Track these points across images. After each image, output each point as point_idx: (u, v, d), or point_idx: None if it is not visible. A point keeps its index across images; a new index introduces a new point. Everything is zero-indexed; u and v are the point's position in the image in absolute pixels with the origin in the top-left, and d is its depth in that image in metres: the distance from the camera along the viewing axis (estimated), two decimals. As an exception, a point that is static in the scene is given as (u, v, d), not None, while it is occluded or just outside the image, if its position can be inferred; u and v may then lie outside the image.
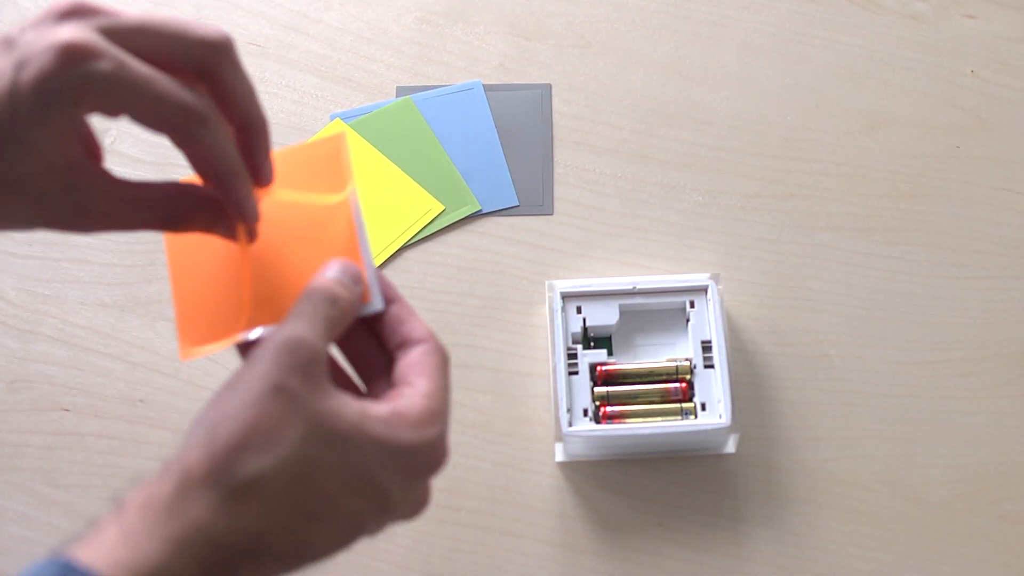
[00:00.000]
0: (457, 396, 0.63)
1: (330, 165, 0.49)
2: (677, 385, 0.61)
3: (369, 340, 0.46)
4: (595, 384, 0.61)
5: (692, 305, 0.63)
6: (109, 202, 0.45)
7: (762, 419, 0.63)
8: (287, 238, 0.48)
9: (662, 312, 0.64)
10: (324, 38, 0.75)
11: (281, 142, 0.72)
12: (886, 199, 0.69)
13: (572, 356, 0.61)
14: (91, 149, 0.48)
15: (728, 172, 0.70)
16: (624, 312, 0.63)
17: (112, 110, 0.42)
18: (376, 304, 0.45)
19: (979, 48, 0.74)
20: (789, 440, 0.63)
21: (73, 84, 0.39)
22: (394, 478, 0.40)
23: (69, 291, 0.67)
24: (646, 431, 0.59)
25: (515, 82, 0.73)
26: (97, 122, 0.73)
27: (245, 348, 0.45)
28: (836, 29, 0.75)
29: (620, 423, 0.60)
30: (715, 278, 0.63)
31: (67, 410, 0.64)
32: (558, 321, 0.61)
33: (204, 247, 0.48)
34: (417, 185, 0.70)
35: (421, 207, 0.69)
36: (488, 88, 0.73)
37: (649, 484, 0.61)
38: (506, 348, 0.65)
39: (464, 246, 0.68)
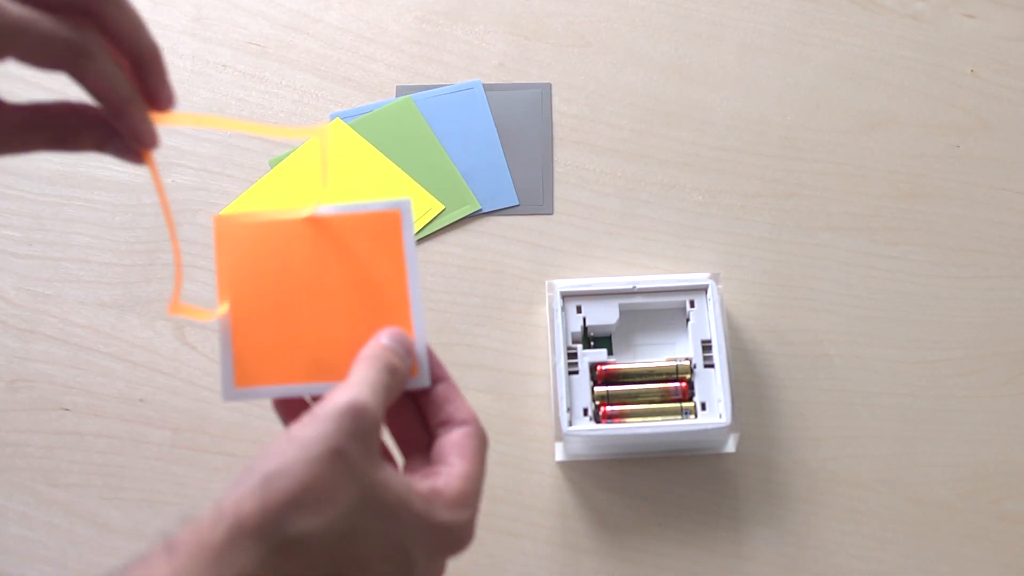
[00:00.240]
0: (457, 395, 0.63)
1: (391, 234, 0.51)
2: (677, 385, 0.61)
3: (413, 415, 0.47)
4: (595, 383, 0.61)
5: (692, 304, 0.63)
6: None
7: (762, 418, 0.63)
8: (343, 295, 0.49)
9: (662, 312, 0.64)
10: (324, 37, 0.75)
11: (282, 142, 0.72)
12: (886, 199, 0.69)
13: (572, 355, 0.61)
14: None
15: (728, 172, 0.70)
16: (624, 311, 0.63)
17: None
18: (424, 380, 0.46)
19: (979, 48, 0.74)
20: (789, 439, 0.63)
21: None
22: (423, 552, 0.42)
23: (69, 290, 0.67)
24: (646, 431, 0.59)
25: (515, 81, 0.73)
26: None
27: (285, 402, 0.47)
28: (836, 29, 0.75)
29: (620, 423, 0.60)
30: (715, 278, 0.63)
31: (67, 409, 0.64)
32: (558, 320, 0.61)
33: (266, 280, 0.50)
34: (417, 184, 0.70)
35: (421, 207, 0.69)
36: (488, 88, 0.73)
37: (649, 483, 0.61)
38: (506, 347, 0.65)
39: (464, 245, 0.68)
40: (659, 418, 0.60)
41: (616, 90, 0.73)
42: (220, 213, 0.67)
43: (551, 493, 0.61)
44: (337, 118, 0.72)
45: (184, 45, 0.75)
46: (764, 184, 0.70)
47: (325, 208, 0.50)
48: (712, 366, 0.61)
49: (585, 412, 0.60)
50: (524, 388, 0.64)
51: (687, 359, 0.61)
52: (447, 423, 0.45)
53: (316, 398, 0.46)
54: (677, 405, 0.60)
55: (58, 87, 0.48)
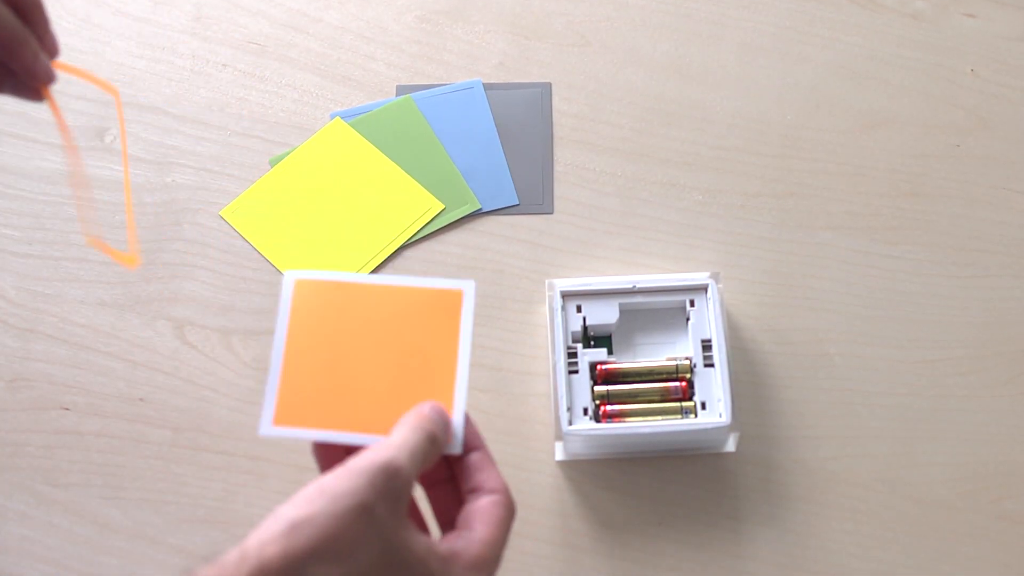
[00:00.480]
0: (457, 395, 0.63)
1: (449, 313, 0.54)
2: (677, 384, 0.61)
3: (451, 491, 0.48)
4: (595, 383, 0.61)
5: (692, 304, 0.62)
6: None
7: (762, 418, 0.63)
8: (394, 359, 0.52)
9: (662, 311, 0.64)
10: (324, 37, 0.75)
11: (282, 141, 0.72)
12: (886, 198, 0.69)
13: (572, 355, 0.61)
14: None
15: (728, 171, 0.70)
16: (624, 311, 0.63)
17: None
18: (456, 448, 0.48)
19: (979, 47, 0.74)
20: (789, 439, 0.63)
21: None
22: None
23: (69, 290, 0.67)
24: (646, 430, 0.59)
25: (515, 81, 0.73)
26: (96, 121, 0.74)
27: (323, 449, 0.48)
28: (836, 28, 0.75)
29: (620, 422, 0.60)
30: (715, 277, 0.63)
31: (67, 409, 0.64)
32: (558, 320, 0.61)
33: (324, 333, 0.54)
34: (417, 184, 0.70)
35: (421, 206, 0.69)
36: (488, 87, 0.73)
37: (649, 483, 0.61)
38: (506, 347, 0.65)
39: (464, 245, 0.68)
40: (659, 417, 0.59)
41: (616, 89, 0.73)
42: (224, 209, 0.67)
43: (551, 492, 0.61)
44: (337, 117, 0.72)
45: (184, 45, 0.75)
46: (764, 183, 0.70)
47: (395, 278, 0.54)
48: (712, 365, 0.61)
49: (585, 411, 0.60)
50: (524, 387, 0.64)
51: (687, 358, 0.61)
52: (477, 490, 0.46)
53: (353, 451, 0.47)
54: (677, 404, 0.60)
55: None
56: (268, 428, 0.52)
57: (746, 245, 0.68)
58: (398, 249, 0.68)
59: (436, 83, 0.73)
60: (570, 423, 0.59)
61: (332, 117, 0.72)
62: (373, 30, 0.75)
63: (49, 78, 0.53)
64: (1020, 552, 0.60)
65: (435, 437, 0.45)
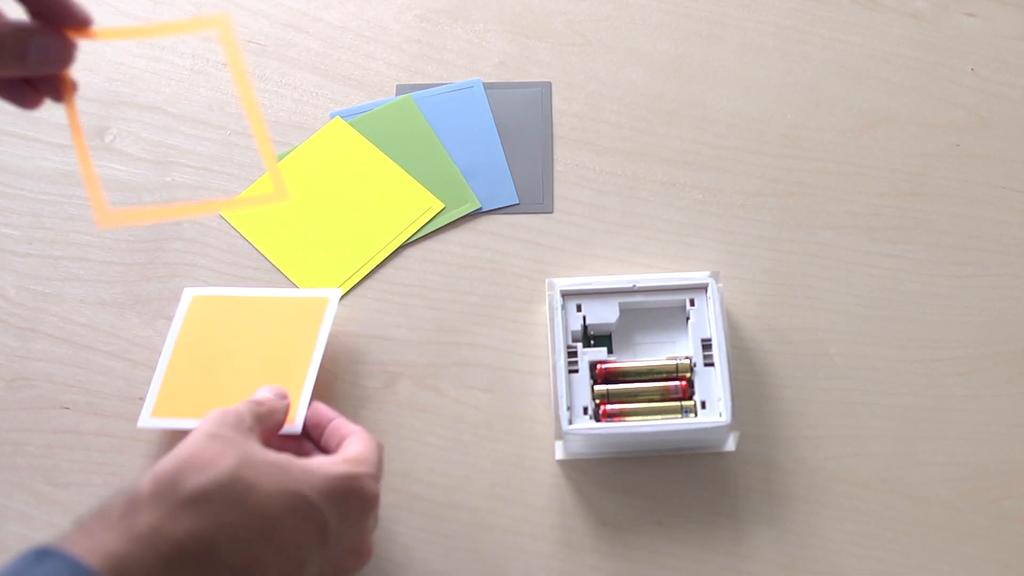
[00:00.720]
0: (457, 394, 0.63)
1: (314, 317, 0.63)
2: (677, 383, 0.61)
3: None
4: (595, 382, 0.61)
5: (692, 303, 0.62)
6: None
7: (762, 417, 0.63)
8: (260, 359, 0.62)
9: (662, 310, 0.64)
10: (324, 36, 0.75)
11: (282, 140, 0.72)
12: (886, 197, 0.69)
13: (572, 354, 0.61)
14: None
15: (728, 170, 0.70)
16: (624, 310, 0.63)
17: None
18: (296, 428, 0.58)
19: (979, 46, 0.74)
20: (789, 438, 0.63)
21: None
22: (327, 505, 0.48)
23: (69, 289, 0.67)
24: (646, 429, 0.59)
25: (515, 80, 0.73)
26: (97, 121, 0.74)
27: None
28: (836, 27, 0.75)
29: (620, 421, 0.60)
30: (715, 276, 0.63)
31: (67, 408, 0.64)
32: (558, 319, 0.61)
33: (208, 339, 0.64)
34: (417, 183, 0.70)
35: (421, 205, 0.69)
36: (488, 86, 0.73)
37: (649, 482, 0.61)
38: (506, 346, 0.65)
39: (464, 244, 0.68)
40: (659, 417, 0.59)
41: (616, 89, 0.73)
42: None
43: (551, 491, 0.61)
44: (337, 117, 0.72)
45: (184, 44, 0.75)
46: (764, 183, 0.70)
47: (276, 291, 0.65)
48: (712, 365, 0.61)
49: (585, 411, 0.60)
50: (524, 387, 0.64)
51: (687, 358, 0.61)
52: (343, 438, 0.55)
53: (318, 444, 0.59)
54: (677, 404, 0.60)
55: None
56: (146, 420, 0.62)
57: (746, 244, 0.68)
58: (398, 248, 0.68)
59: (436, 82, 0.73)
60: (570, 422, 0.59)
61: (332, 116, 0.72)
62: (373, 29, 0.75)
63: (87, 20, 0.48)
64: (1020, 551, 0.60)
65: (260, 400, 0.55)
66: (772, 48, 0.74)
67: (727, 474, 0.62)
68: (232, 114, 0.72)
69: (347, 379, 0.64)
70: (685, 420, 0.59)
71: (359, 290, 0.67)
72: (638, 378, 0.61)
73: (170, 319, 0.65)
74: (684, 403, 0.60)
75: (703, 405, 0.60)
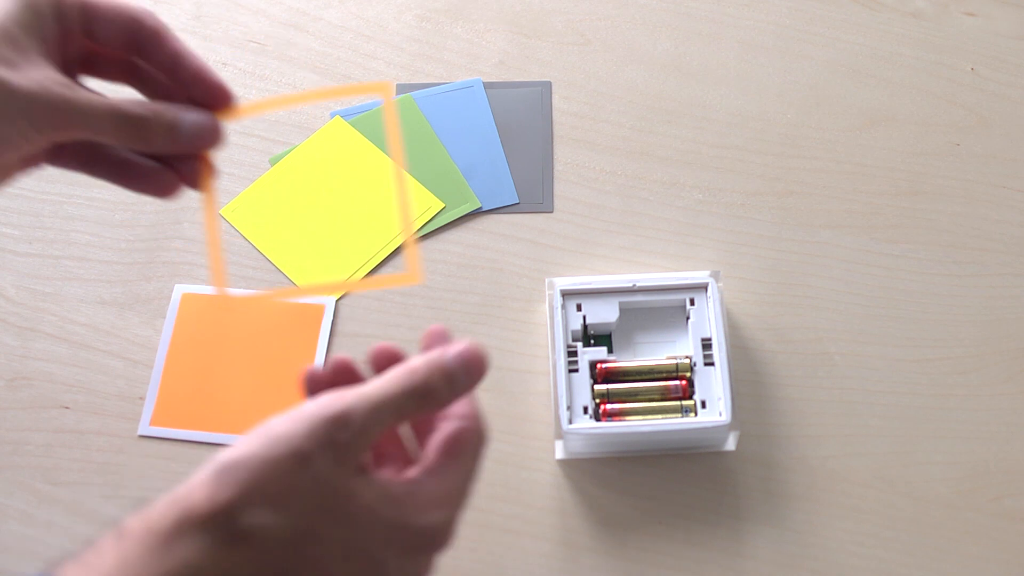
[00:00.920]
0: (457, 393, 0.63)
1: (312, 324, 0.63)
2: (677, 383, 0.61)
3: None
4: (595, 381, 0.61)
5: (692, 302, 0.62)
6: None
7: (762, 416, 0.63)
8: (258, 364, 0.62)
9: (662, 309, 0.64)
10: (324, 36, 0.75)
11: (282, 140, 0.72)
12: (886, 196, 0.69)
13: (572, 353, 0.61)
14: None
15: (728, 169, 0.70)
16: (624, 309, 0.63)
17: (82, 27, 0.47)
18: None
19: (979, 45, 0.74)
20: (789, 437, 0.63)
21: (64, 15, 0.46)
22: (393, 554, 0.41)
23: (69, 288, 0.67)
24: (646, 429, 0.59)
25: (515, 79, 0.73)
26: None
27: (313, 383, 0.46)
28: (836, 26, 0.75)
29: (620, 421, 0.60)
30: (715, 275, 0.63)
31: (67, 408, 0.64)
32: (558, 318, 0.61)
33: (203, 343, 0.64)
34: (417, 183, 0.70)
35: (421, 205, 0.69)
36: (488, 86, 0.73)
37: (649, 482, 0.61)
38: (506, 345, 0.65)
39: (464, 244, 0.68)
40: (659, 416, 0.59)
41: (616, 88, 0.73)
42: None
43: (551, 491, 0.61)
44: (337, 116, 0.72)
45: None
46: (764, 182, 0.70)
47: (270, 291, 0.65)
48: (712, 364, 0.61)
49: (585, 410, 0.60)
50: (524, 386, 0.64)
51: (687, 357, 0.61)
52: (446, 416, 0.44)
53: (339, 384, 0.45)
54: (677, 403, 0.60)
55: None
56: (146, 428, 0.62)
57: (746, 244, 0.68)
58: (398, 248, 0.68)
59: (436, 82, 0.73)
60: (570, 422, 0.59)
61: (332, 116, 0.72)
62: (373, 29, 0.75)
63: (231, 97, 0.49)
64: (1020, 550, 0.60)
65: (422, 391, 0.42)
66: (772, 47, 0.74)
67: (727, 473, 0.62)
68: (232, 113, 0.72)
69: (347, 378, 0.64)
70: (685, 419, 0.59)
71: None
72: (638, 377, 0.61)
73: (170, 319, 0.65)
74: (684, 402, 0.60)
75: (703, 404, 0.60)
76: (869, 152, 0.71)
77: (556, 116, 0.72)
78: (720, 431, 0.59)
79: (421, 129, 0.72)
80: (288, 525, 0.38)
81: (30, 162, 0.49)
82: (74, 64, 0.49)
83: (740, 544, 0.60)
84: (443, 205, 0.69)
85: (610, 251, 0.68)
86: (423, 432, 0.46)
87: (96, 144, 0.49)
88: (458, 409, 0.44)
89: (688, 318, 0.63)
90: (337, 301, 0.65)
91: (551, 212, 0.69)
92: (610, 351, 0.63)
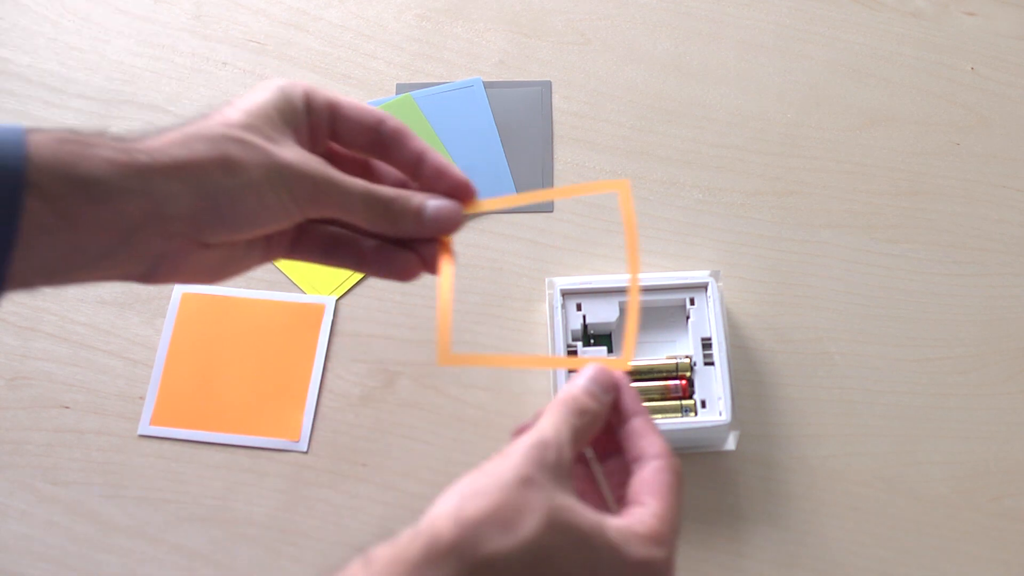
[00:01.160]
0: (457, 393, 0.63)
1: (312, 323, 0.64)
2: (677, 382, 0.61)
3: (621, 459, 0.48)
4: (595, 381, 0.61)
5: (692, 302, 0.62)
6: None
7: (762, 416, 0.63)
8: (259, 366, 0.63)
9: (662, 309, 0.64)
10: (324, 35, 0.75)
11: (281, 139, 0.72)
12: (886, 196, 0.69)
13: (572, 353, 0.61)
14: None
15: (728, 169, 0.70)
16: (624, 309, 0.63)
17: (329, 125, 0.51)
18: (301, 446, 0.61)
19: (979, 45, 0.74)
20: (789, 437, 0.63)
21: (314, 110, 0.50)
22: None
23: (69, 288, 0.67)
24: (646, 428, 0.59)
25: (515, 79, 0.73)
26: (97, 119, 0.74)
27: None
28: (836, 26, 0.75)
29: (620, 420, 0.59)
30: (715, 275, 0.63)
31: (67, 407, 0.64)
32: (558, 318, 0.61)
33: (202, 342, 0.64)
34: (417, 182, 0.70)
35: (421, 204, 0.69)
36: (488, 85, 0.73)
37: (649, 481, 0.61)
38: (506, 345, 0.65)
39: (464, 243, 0.68)
40: (659, 416, 0.59)
41: (616, 87, 0.73)
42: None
43: (551, 491, 0.61)
44: (337, 116, 0.72)
45: (184, 43, 0.75)
46: (764, 181, 0.70)
47: (269, 294, 0.65)
48: (712, 364, 0.61)
49: (585, 410, 0.60)
50: (524, 385, 0.64)
51: (687, 357, 0.61)
52: (639, 458, 0.46)
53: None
54: (677, 403, 0.60)
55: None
56: (146, 428, 0.62)
57: (746, 243, 0.68)
58: (398, 247, 0.68)
59: (436, 81, 0.73)
60: (570, 421, 0.59)
61: (332, 115, 0.72)
62: (373, 28, 0.75)
63: (452, 224, 0.51)
64: (1020, 550, 0.60)
65: (584, 407, 0.45)
66: (772, 47, 0.74)
67: (727, 473, 0.62)
68: (232, 113, 0.72)
69: (347, 378, 0.64)
70: (685, 419, 0.59)
71: (359, 289, 0.67)
72: (638, 377, 0.61)
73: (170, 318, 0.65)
74: (684, 402, 0.60)
75: (703, 404, 0.60)
76: (869, 152, 0.71)
77: (556, 116, 0.72)
78: (720, 431, 0.59)
79: (421, 129, 0.72)
80: (526, 547, 0.39)
81: (273, 251, 0.51)
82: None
83: (740, 543, 0.60)
84: (443, 205, 0.69)
85: (610, 251, 0.68)
86: (618, 480, 0.48)
87: (337, 232, 0.52)
88: (651, 449, 0.46)
89: (688, 318, 0.63)
90: (337, 301, 0.65)
91: (551, 212, 0.69)
92: (610, 351, 0.63)
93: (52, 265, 0.42)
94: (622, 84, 0.73)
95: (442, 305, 0.49)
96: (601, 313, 0.62)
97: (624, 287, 0.63)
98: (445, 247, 0.51)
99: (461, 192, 0.51)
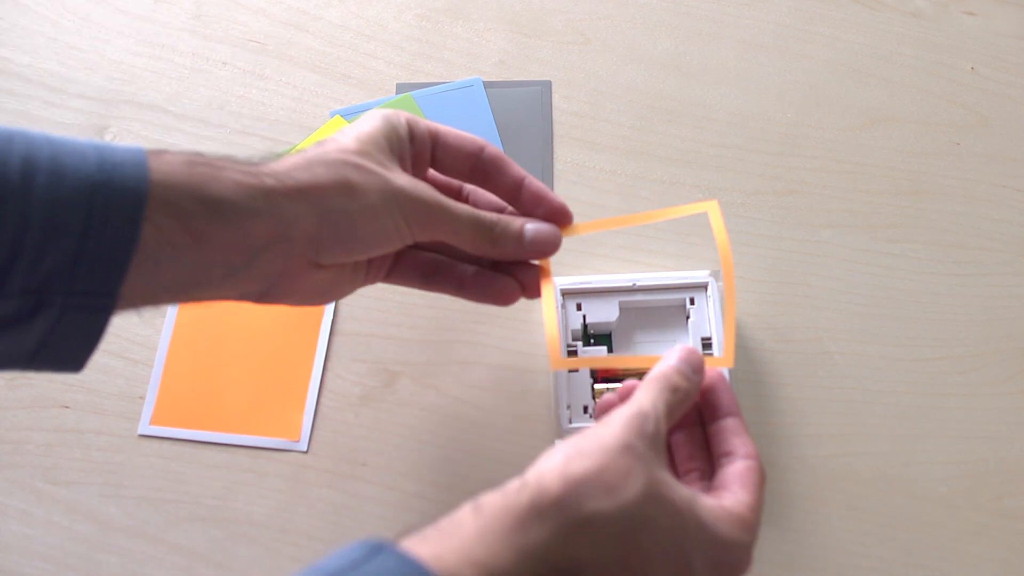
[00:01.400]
0: (457, 393, 0.63)
1: (311, 323, 0.64)
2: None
3: (702, 446, 0.51)
4: (595, 381, 0.61)
5: (692, 302, 0.62)
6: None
7: (762, 416, 0.63)
8: (259, 367, 0.63)
9: (662, 309, 0.64)
10: (324, 35, 0.75)
11: (282, 139, 0.72)
12: (886, 196, 0.69)
13: (572, 353, 0.61)
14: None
15: (728, 169, 0.70)
16: (624, 309, 0.63)
17: (431, 153, 0.53)
18: (300, 443, 0.62)
19: (979, 45, 0.74)
20: (789, 437, 0.63)
21: (416, 139, 0.52)
22: (703, 565, 0.44)
23: (69, 288, 0.67)
24: (646, 428, 0.59)
25: (515, 79, 0.73)
26: (97, 119, 0.73)
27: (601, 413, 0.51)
28: (837, 26, 0.75)
29: (620, 420, 0.60)
30: (715, 275, 0.63)
31: (67, 407, 0.64)
32: (558, 318, 0.61)
33: (201, 343, 0.64)
34: (417, 182, 0.70)
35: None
36: (488, 85, 0.73)
37: (649, 481, 0.61)
38: (506, 345, 0.65)
39: (464, 243, 0.68)
40: (659, 415, 0.59)
41: (616, 87, 0.73)
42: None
43: (551, 490, 0.61)
44: (337, 115, 0.72)
45: (184, 43, 0.75)
46: (764, 181, 0.70)
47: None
48: (712, 363, 0.61)
49: (585, 410, 0.60)
50: (524, 385, 0.64)
51: (687, 356, 0.61)
52: (730, 454, 0.48)
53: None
54: (677, 402, 0.60)
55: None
56: (146, 428, 0.62)
57: (746, 243, 0.68)
58: (398, 247, 0.68)
59: (436, 81, 0.73)
60: (570, 421, 0.59)
61: (332, 115, 0.72)
62: (373, 28, 0.75)
63: (551, 247, 0.54)
64: (1020, 549, 0.60)
65: (676, 386, 0.48)
66: (772, 46, 0.74)
67: (727, 473, 0.61)
68: (232, 112, 0.72)
69: (347, 378, 0.64)
70: (685, 419, 0.59)
71: (359, 289, 0.67)
72: (638, 377, 0.61)
73: (170, 318, 0.65)
74: (684, 402, 0.60)
75: (703, 404, 0.60)
76: (869, 151, 0.71)
77: (556, 115, 0.72)
78: (720, 430, 0.59)
79: (421, 128, 0.72)
80: (624, 511, 0.41)
81: (372, 274, 0.54)
82: None
83: (740, 543, 0.60)
84: (443, 204, 0.69)
85: (610, 251, 0.68)
86: (692, 471, 0.50)
87: (436, 258, 0.55)
88: (743, 449, 0.49)
89: (688, 317, 0.63)
90: (337, 301, 0.65)
91: (551, 211, 0.69)
92: (610, 350, 0.63)
93: (178, 282, 0.44)
94: (622, 84, 0.73)
95: (549, 325, 0.52)
96: (601, 313, 0.62)
97: (623, 287, 0.63)
98: (544, 271, 0.54)
99: (558, 216, 0.54)
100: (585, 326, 0.63)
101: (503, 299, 0.55)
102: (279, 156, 0.48)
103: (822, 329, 0.65)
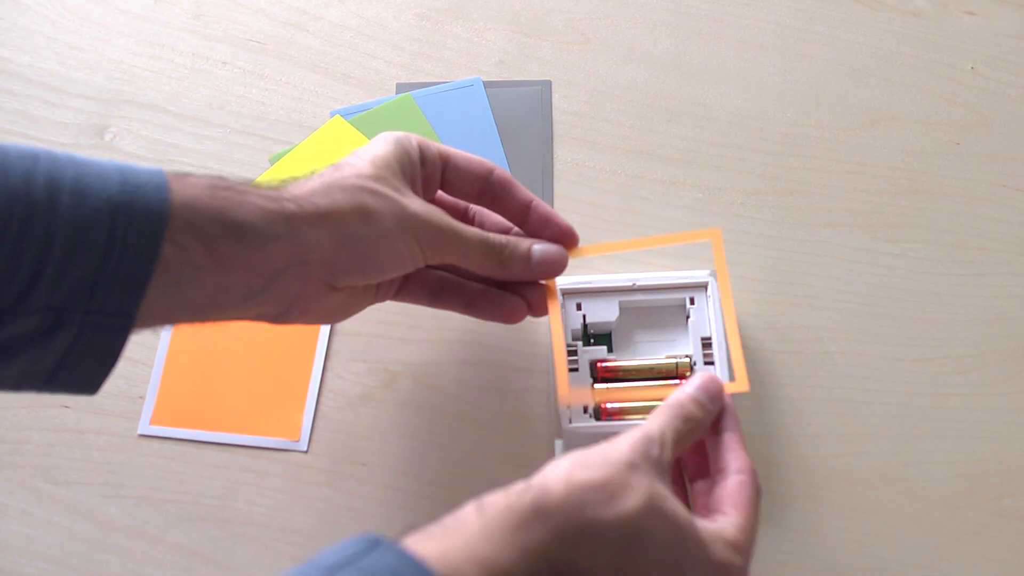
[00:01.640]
0: (457, 393, 0.63)
1: (312, 325, 0.62)
2: (677, 382, 0.61)
3: (706, 465, 0.52)
4: (595, 381, 0.61)
5: (692, 302, 0.62)
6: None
7: (762, 415, 0.63)
8: (258, 369, 0.63)
9: (662, 309, 0.64)
10: (324, 35, 0.75)
11: (281, 139, 0.72)
12: (886, 195, 0.69)
13: (572, 353, 0.61)
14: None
15: (728, 168, 0.70)
16: (624, 309, 0.63)
17: (441, 175, 0.55)
18: (302, 445, 0.62)
19: (979, 44, 0.74)
20: (789, 436, 0.63)
21: (427, 161, 0.54)
22: None
23: (69, 288, 0.67)
24: (646, 428, 0.59)
25: (515, 78, 0.73)
26: (97, 119, 0.74)
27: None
28: (836, 25, 0.75)
29: (620, 420, 0.60)
30: (715, 274, 0.63)
31: (67, 407, 0.64)
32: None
33: (201, 344, 0.64)
34: (417, 182, 0.70)
35: (421, 204, 0.69)
36: (488, 84, 0.73)
37: (649, 481, 0.61)
38: (506, 344, 0.65)
39: (464, 243, 0.68)
40: (659, 415, 0.59)
41: (616, 87, 0.73)
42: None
43: (551, 490, 0.61)
44: (337, 115, 0.72)
45: (184, 42, 0.75)
46: (764, 181, 0.70)
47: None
48: (712, 363, 0.61)
49: (585, 409, 0.60)
50: (524, 385, 0.64)
51: (687, 356, 0.61)
52: (724, 470, 0.50)
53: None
54: (677, 402, 0.60)
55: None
56: (146, 427, 0.63)
57: (746, 243, 0.68)
58: (398, 247, 0.68)
59: (436, 81, 0.73)
60: (570, 421, 0.59)
61: (332, 115, 0.72)
62: (373, 28, 0.75)
63: (558, 268, 0.56)
64: (1020, 549, 0.60)
65: (690, 415, 0.49)
66: (772, 46, 0.74)
67: (727, 472, 0.61)
68: (232, 112, 0.72)
69: (347, 378, 0.64)
70: (685, 419, 0.59)
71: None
72: (638, 377, 0.61)
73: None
74: (684, 402, 0.60)
75: (703, 404, 0.60)
76: (869, 151, 0.71)
77: (556, 115, 0.72)
78: (720, 430, 0.59)
79: (421, 128, 0.72)
80: (624, 522, 0.42)
81: (382, 294, 0.56)
82: None
83: (740, 543, 0.60)
84: (443, 204, 0.69)
85: (610, 250, 0.68)
86: (703, 502, 0.51)
87: (444, 277, 0.57)
88: (736, 463, 0.50)
89: (688, 317, 0.63)
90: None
91: (551, 211, 0.69)
92: (610, 350, 0.63)
93: (197, 304, 0.45)
94: (622, 84, 0.73)
95: (557, 345, 0.54)
96: (601, 313, 0.62)
97: (623, 287, 0.63)
98: (551, 291, 0.57)
99: (565, 238, 0.56)
100: (585, 326, 0.63)
101: (510, 317, 0.57)
102: (296, 180, 0.49)
103: (822, 329, 0.65)
